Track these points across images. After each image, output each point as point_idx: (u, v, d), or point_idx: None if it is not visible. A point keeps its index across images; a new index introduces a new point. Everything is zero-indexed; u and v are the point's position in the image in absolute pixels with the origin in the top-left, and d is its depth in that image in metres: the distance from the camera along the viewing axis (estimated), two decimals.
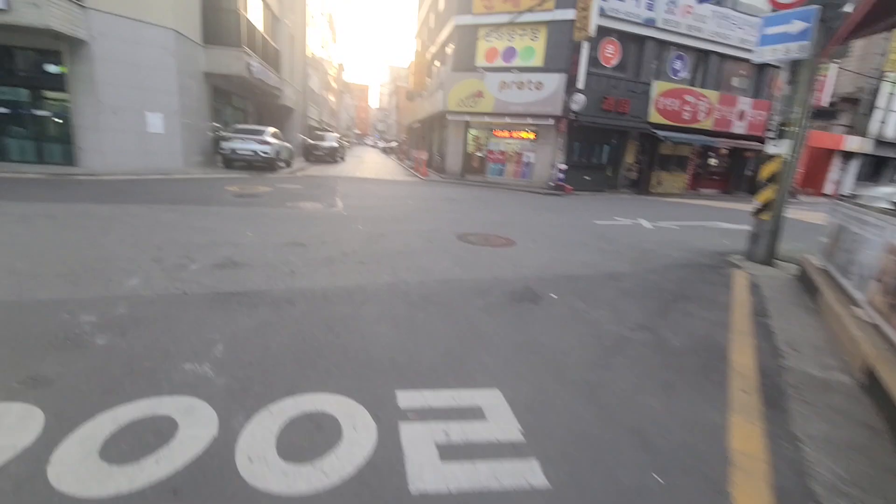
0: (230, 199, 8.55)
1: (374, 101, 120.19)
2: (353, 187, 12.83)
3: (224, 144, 14.93)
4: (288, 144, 18.30)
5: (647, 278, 5.01)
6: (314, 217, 7.22)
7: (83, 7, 11.06)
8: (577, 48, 15.74)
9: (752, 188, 22.70)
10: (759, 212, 6.11)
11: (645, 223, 9.59)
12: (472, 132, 18.72)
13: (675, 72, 18.38)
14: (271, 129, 16.29)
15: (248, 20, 16.13)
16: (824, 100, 20.98)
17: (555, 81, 15.94)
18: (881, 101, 24.14)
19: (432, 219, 8.05)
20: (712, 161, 21.22)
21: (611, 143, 17.96)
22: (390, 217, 7.88)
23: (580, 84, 15.64)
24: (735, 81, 19.95)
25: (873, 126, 24.57)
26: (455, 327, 3.27)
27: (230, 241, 5.28)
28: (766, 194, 6.00)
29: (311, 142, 25.38)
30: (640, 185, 19.09)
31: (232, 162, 15.51)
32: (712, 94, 18.55)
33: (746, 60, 19.23)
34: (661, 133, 17.37)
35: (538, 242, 6.61)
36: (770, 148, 6.10)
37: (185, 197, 8.45)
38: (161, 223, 5.99)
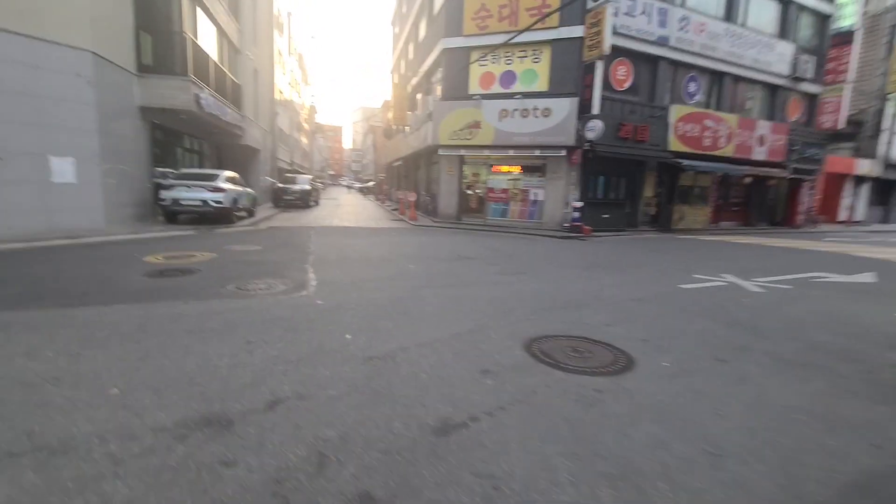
0: (136, 285, 5.42)
1: (348, 142, 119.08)
2: (329, 243, 9.82)
3: (164, 194, 11.82)
4: (250, 190, 15.30)
5: None
6: (267, 319, 4.17)
7: None
8: (587, 69, 13.59)
9: (773, 219, 21.02)
10: None
11: (739, 282, 6.91)
12: (469, 168, 16.17)
13: (690, 95, 16.52)
14: (227, 173, 13.30)
15: (197, 45, 13.41)
16: (840, 122, 19.53)
17: (565, 107, 13.65)
18: (886, 122, 23.08)
19: (459, 302, 5.12)
20: (733, 191, 19.22)
21: (628, 176, 15.65)
22: (392, 304, 4.91)
23: (595, 109, 13.39)
24: (748, 104, 18.27)
25: (881, 148, 23.41)
26: None
27: (51, 430, 2.18)
28: None
29: (281, 185, 22.47)
30: (661, 222, 16.76)
31: (175, 215, 12.39)
32: (731, 118, 16.69)
33: (760, 82, 17.63)
34: (685, 162, 15.21)
35: (663, 349, 3.73)
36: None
37: (57, 285, 5.28)
38: None
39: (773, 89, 18.39)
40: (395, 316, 4.42)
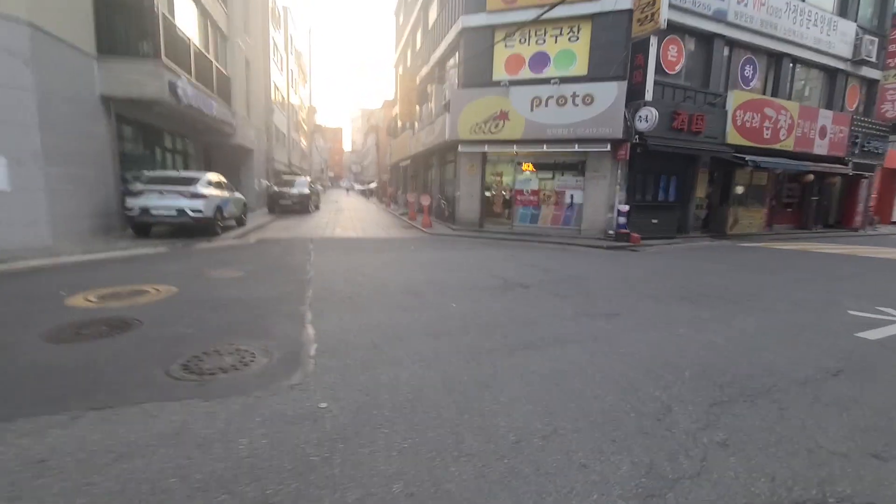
0: (15, 365, 3.26)
1: (348, 144, 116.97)
2: (333, 264, 7.64)
3: (130, 202, 9.67)
4: (239, 195, 13.16)
5: None
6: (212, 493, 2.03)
7: None
8: (637, 48, 11.43)
9: (826, 220, 18.77)
10: None
11: None
12: (492, 167, 14.00)
13: (746, 80, 14.34)
14: (209, 176, 11.16)
15: (172, 24, 11.27)
16: None
17: (610, 93, 11.48)
18: None
19: (568, 388, 3.00)
20: (786, 190, 17.01)
21: (678, 174, 13.46)
22: (456, 403, 2.77)
23: (647, 95, 11.21)
24: (807, 91, 16.10)
25: None
26: None
27: None
28: None
29: (277, 189, 20.31)
30: (713, 226, 14.59)
31: (147, 227, 10.26)
32: (792, 107, 14.51)
33: (820, 66, 15.46)
34: (748, 157, 13.04)
35: None
36: None
37: None
38: None
39: (831, 74, 16.21)
40: (469, 437, 2.25)
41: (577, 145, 11.94)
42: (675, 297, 5.77)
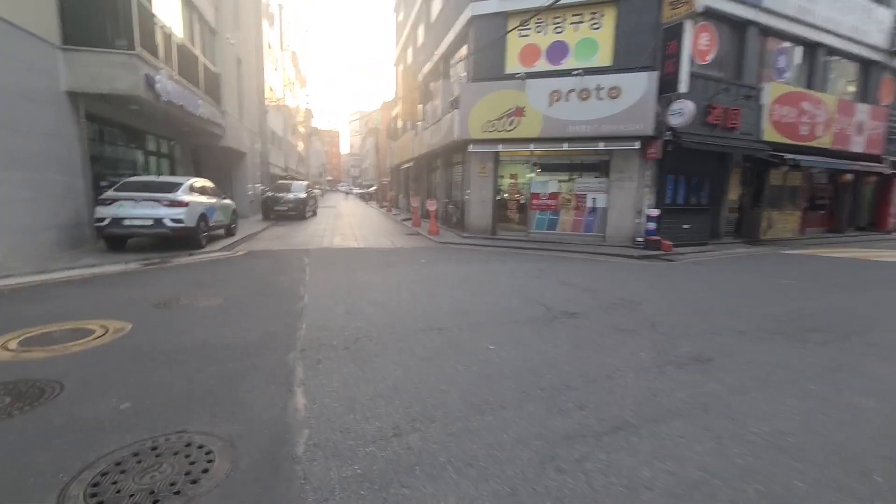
0: None
1: (345, 147, 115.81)
2: (332, 286, 6.41)
3: (101, 211, 8.46)
4: (228, 202, 11.93)
5: None
6: None
7: None
8: (669, 34, 10.26)
9: (857, 222, 17.55)
10: None
11: None
12: (505, 168, 12.81)
13: (780, 72, 13.19)
14: (193, 182, 9.96)
15: (149, 12, 10.08)
16: None
17: (640, 85, 10.30)
18: None
19: None
20: (819, 191, 15.83)
21: (710, 174, 12.27)
22: None
23: (682, 87, 10.03)
24: (840, 84, 14.98)
25: None
26: None
27: None
28: None
29: (272, 194, 19.10)
30: (744, 231, 13.41)
31: (121, 240, 9.05)
32: (830, 100, 13.37)
33: (855, 56, 14.34)
34: (788, 156, 11.88)
35: None
36: None
37: None
38: None
39: (866, 65, 15.08)
40: None
41: (602, 143, 10.74)
42: (766, 329, 4.56)
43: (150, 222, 8.60)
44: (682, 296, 6.10)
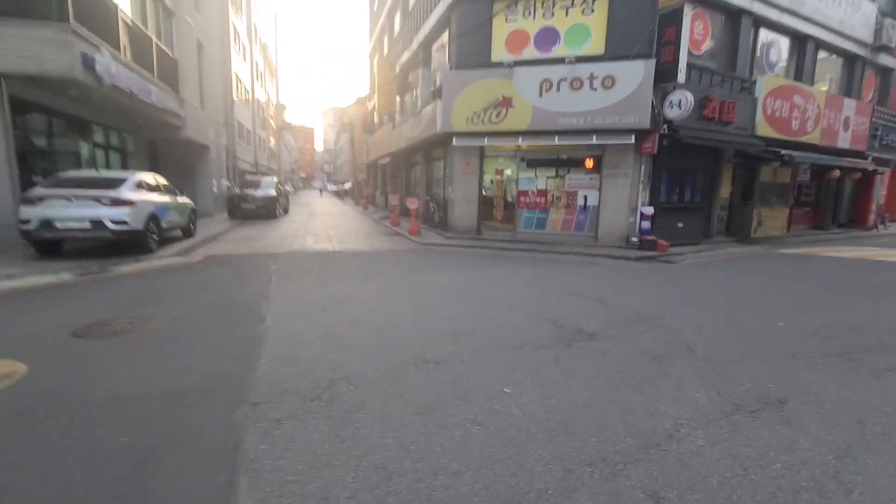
0: None
1: (319, 144, 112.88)
2: (302, 300, 5.45)
3: (26, 212, 7.21)
4: (185, 200, 10.71)
5: None
6: None
7: None
8: (666, 20, 9.64)
9: (838, 219, 17.54)
10: None
11: None
12: (490, 163, 12.01)
13: (771, 65, 12.83)
14: (142, 177, 8.77)
15: None
16: None
17: (636, 74, 9.63)
18: None
19: None
20: (804, 188, 15.67)
21: (704, 170, 11.79)
22: None
23: (680, 76, 9.42)
24: (825, 79, 14.80)
25: None
26: None
27: None
28: None
29: (239, 191, 17.76)
30: (735, 229, 13.02)
31: (54, 245, 7.82)
32: (819, 95, 13.10)
33: (841, 50, 14.16)
34: (784, 152, 11.48)
35: None
36: None
37: None
38: None
39: (851, 60, 14.96)
40: None
41: (595, 137, 10.04)
42: (816, 350, 3.89)
43: (87, 224, 7.40)
44: (703, 307, 5.41)
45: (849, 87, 15.13)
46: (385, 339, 3.95)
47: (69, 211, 7.31)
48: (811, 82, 13.60)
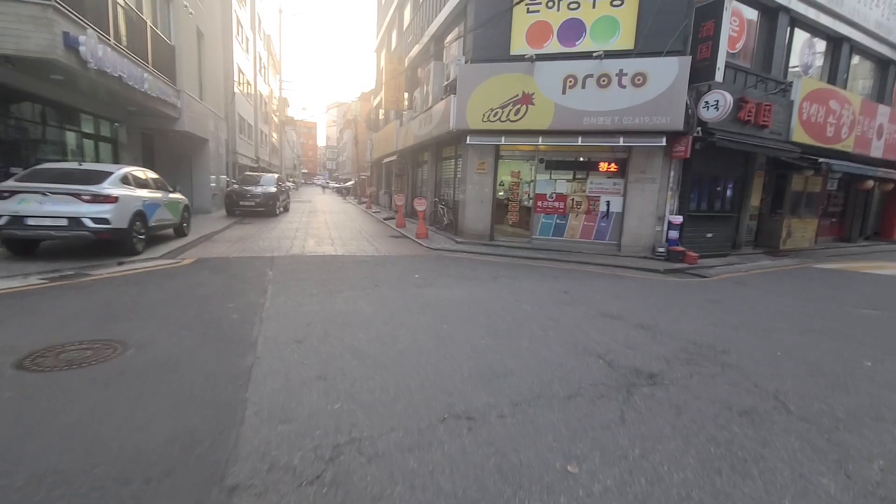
0: None
1: (322, 140, 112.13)
2: (300, 320, 4.70)
3: None
4: (178, 196, 9.96)
5: None
6: None
7: None
8: (703, 14, 8.89)
9: (864, 231, 16.73)
10: None
11: None
12: (506, 164, 11.26)
13: (806, 68, 12.06)
14: (128, 171, 8.04)
15: None
16: None
17: (670, 72, 8.88)
18: None
19: None
20: (832, 198, 14.91)
21: (735, 178, 11.04)
22: None
23: (718, 75, 8.67)
24: (858, 84, 14.04)
25: None
26: None
27: None
28: None
29: (238, 187, 17.04)
30: (763, 240, 12.28)
31: (30, 244, 7.11)
32: (855, 100, 12.35)
33: (876, 54, 13.40)
34: (822, 160, 10.73)
35: None
36: None
37: None
38: None
39: (884, 65, 14.20)
40: None
41: (622, 139, 9.29)
42: None
43: (63, 222, 6.66)
44: (765, 337, 4.66)
45: (881, 93, 14.37)
46: (401, 381, 3.20)
47: (43, 207, 6.58)
48: (844, 86, 12.84)
